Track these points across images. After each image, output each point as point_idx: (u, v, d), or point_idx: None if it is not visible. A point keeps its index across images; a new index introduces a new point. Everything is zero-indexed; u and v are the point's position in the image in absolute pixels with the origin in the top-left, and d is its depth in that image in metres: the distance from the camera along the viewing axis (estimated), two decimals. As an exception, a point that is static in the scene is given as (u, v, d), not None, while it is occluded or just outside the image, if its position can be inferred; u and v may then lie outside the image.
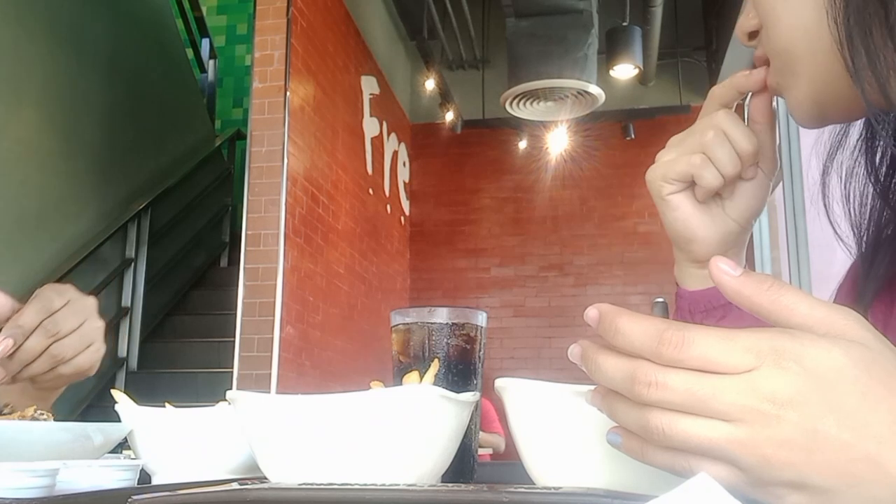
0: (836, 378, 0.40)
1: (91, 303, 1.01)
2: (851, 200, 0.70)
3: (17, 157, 4.52)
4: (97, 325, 1.00)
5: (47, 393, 1.02)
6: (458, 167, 7.29)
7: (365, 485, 0.52)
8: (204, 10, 7.41)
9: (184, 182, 6.22)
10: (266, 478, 0.61)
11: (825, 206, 0.72)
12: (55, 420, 0.82)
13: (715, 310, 0.78)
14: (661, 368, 0.41)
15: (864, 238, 0.70)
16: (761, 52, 0.69)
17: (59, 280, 4.64)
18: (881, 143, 0.68)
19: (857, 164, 0.69)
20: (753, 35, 0.69)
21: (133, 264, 5.52)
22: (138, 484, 0.74)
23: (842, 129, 0.71)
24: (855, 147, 0.70)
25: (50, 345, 0.94)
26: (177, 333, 5.97)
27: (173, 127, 6.41)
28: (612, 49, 5.58)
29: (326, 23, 5.27)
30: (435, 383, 0.63)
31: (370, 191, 6.17)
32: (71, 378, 0.98)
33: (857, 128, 0.72)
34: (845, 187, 0.70)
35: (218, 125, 7.70)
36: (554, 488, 0.52)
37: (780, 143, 5.33)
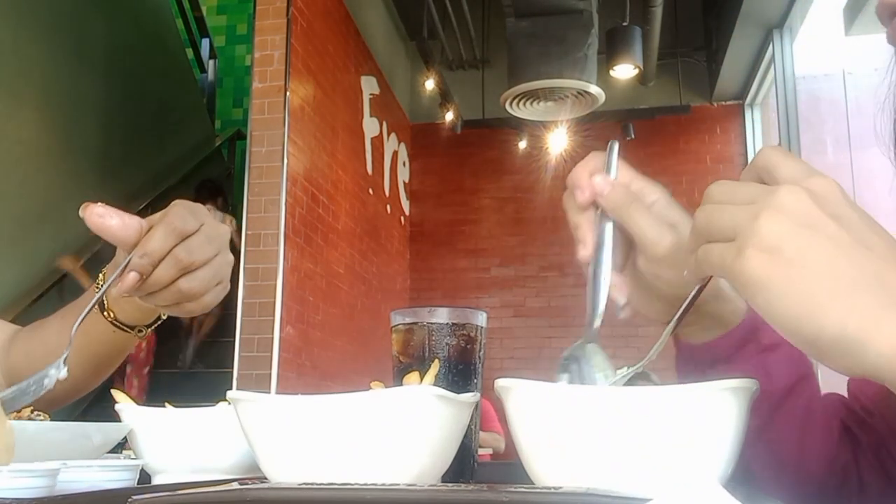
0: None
1: (225, 231, 0.84)
2: None
3: (17, 157, 4.52)
4: (229, 260, 0.84)
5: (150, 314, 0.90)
6: (458, 167, 7.29)
7: (365, 485, 0.52)
8: (204, 10, 7.41)
9: (184, 182, 6.22)
10: (266, 478, 0.61)
11: None
12: (52, 420, 0.82)
13: (719, 363, 0.73)
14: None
15: None
16: None
17: (60, 280, 4.64)
18: None
19: None
20: None
21: (133, 264, 5.51)
22: (138, 484, 0.74)
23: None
24: None
25: (179, 277, 0.79)
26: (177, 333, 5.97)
27: (173, 127, 6.41)
28: (612, 49, 5.58)
29: (326, 23, 5.27)
30: (435, 383, 0.63)
31: (370, 191, 6.17)
32: (192, 313, 0.84)
33: None
34: None
35: (218, 125, 7.70)
36: (554, 488, 0.52)
37: (779, 143, 5.33)
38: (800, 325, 0.47)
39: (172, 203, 0.82)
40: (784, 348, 0.73)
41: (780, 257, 0.48)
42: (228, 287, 0.86)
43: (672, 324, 0.60)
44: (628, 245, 0.70)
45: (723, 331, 0.72)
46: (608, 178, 0.68)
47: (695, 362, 0.75)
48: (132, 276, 0.77)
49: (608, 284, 0.67)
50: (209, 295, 0.83)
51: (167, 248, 0.78)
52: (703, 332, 0.73)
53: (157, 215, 0.81)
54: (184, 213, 0.80)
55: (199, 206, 0.83)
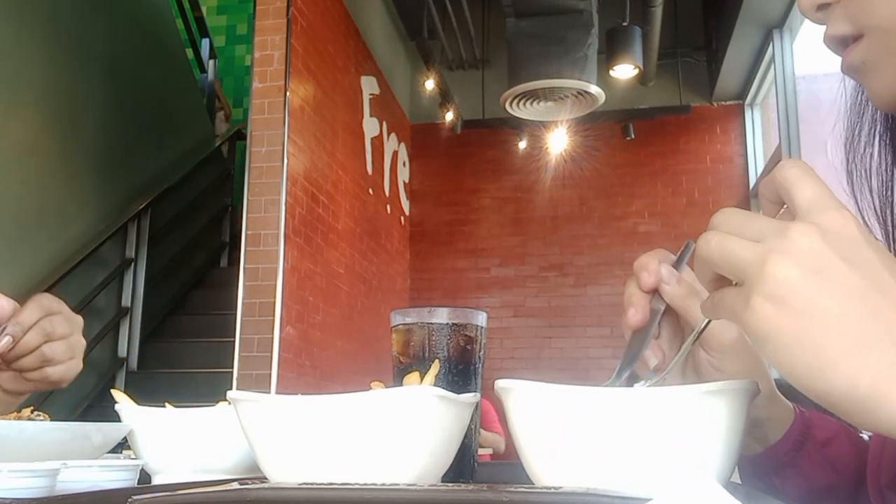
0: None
1: (80, 320, 1.06)
2: (875, 189, 0.68)
3: (17, 157, 4.52)
4: (82, 343, 1.05)
5: (13, 397, 1.05)
6: (458, 167, 7.29)
7: (365, 485, 0.52)
8: (204, 10, 7.40)
9: (184, 182, 6.21)
10: (266, 478, 0.61)
11: (854, 196, 0.70)
12: (52, 420, 0.82)
13: (785, 467, 0.72)
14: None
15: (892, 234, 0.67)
16: (838, 30, 0.60)
17: (60, 280, 4.64)
18: None
19: (879, 146, 0.68)
20: (824, 6, 0.60)
21: (133, 264, 5.51)
22: (138, 484, 0.74)
23: (857, 116, 0.70)
24: (873, 130, 0.68)
25: (43, 343, 0.99)
26: (177, 333, 5.96)
27: (173, 127, 6.41)
28: (612, 49, 5.58)
29: (326, 23, 5.27)
30: (435, 384, 0.62)
31: (370, 191, 6.17)
32: (52, 383, 1.02)
33: (870, 110, 0.70)
34: (867, 175, 0.68)
35: (218, 125, 7.69)
36: (554, 488, 0.52)
37: (779, 143, 5.30)
38: (809, 380, 0.46)
39: (39, 295, 1.04)
40: (840, 437, 0.73)
41: (787, 308, 0.46)
42: (80, 366, 1.04)
43: (689, 341, 0.61)
44: (679, 338, 0.69)
45: (779, 434, 0.72)
46: (675, 270, 0.66)
47: (758, 474, 0.74)
48: (7, 340, 0.96)
49: (643, 354, 0.67)
50: (63, 366, 1.01)
51: (35, 320, 0.99)
52: (757, 443, 0.73)
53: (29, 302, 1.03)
54: (49, 298, 1.04)
55: (58, 300, 1.05)
